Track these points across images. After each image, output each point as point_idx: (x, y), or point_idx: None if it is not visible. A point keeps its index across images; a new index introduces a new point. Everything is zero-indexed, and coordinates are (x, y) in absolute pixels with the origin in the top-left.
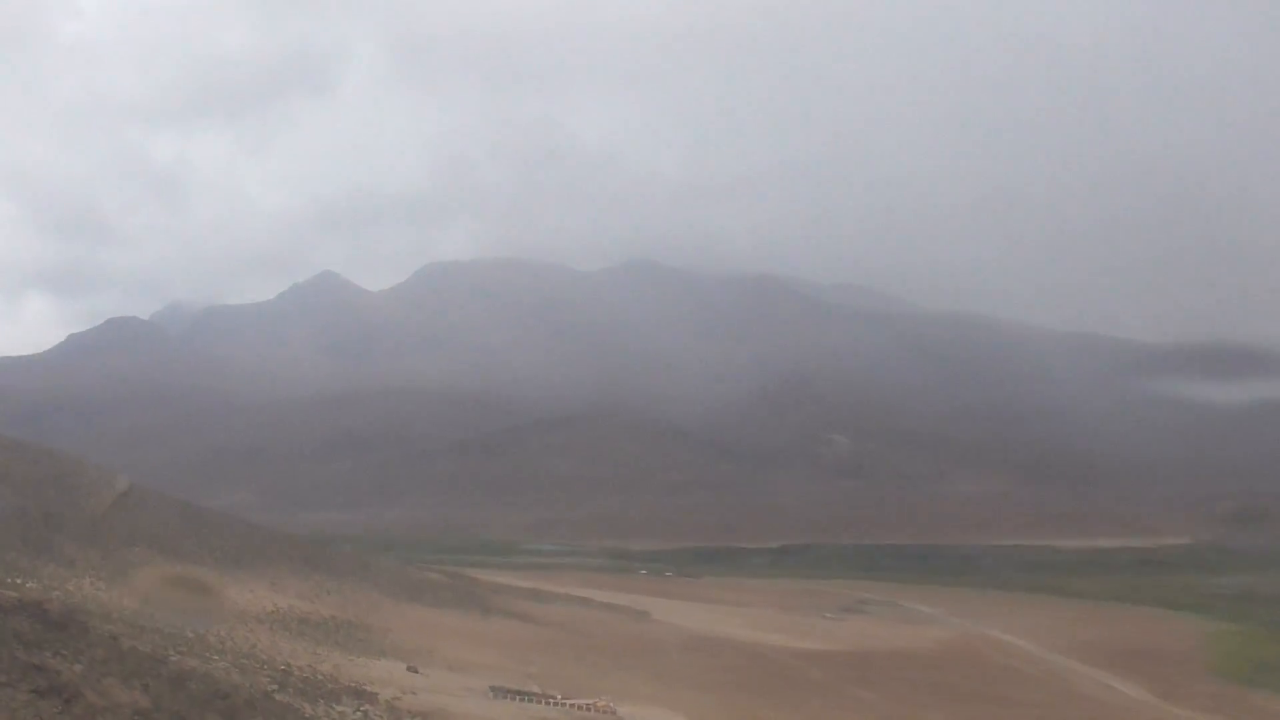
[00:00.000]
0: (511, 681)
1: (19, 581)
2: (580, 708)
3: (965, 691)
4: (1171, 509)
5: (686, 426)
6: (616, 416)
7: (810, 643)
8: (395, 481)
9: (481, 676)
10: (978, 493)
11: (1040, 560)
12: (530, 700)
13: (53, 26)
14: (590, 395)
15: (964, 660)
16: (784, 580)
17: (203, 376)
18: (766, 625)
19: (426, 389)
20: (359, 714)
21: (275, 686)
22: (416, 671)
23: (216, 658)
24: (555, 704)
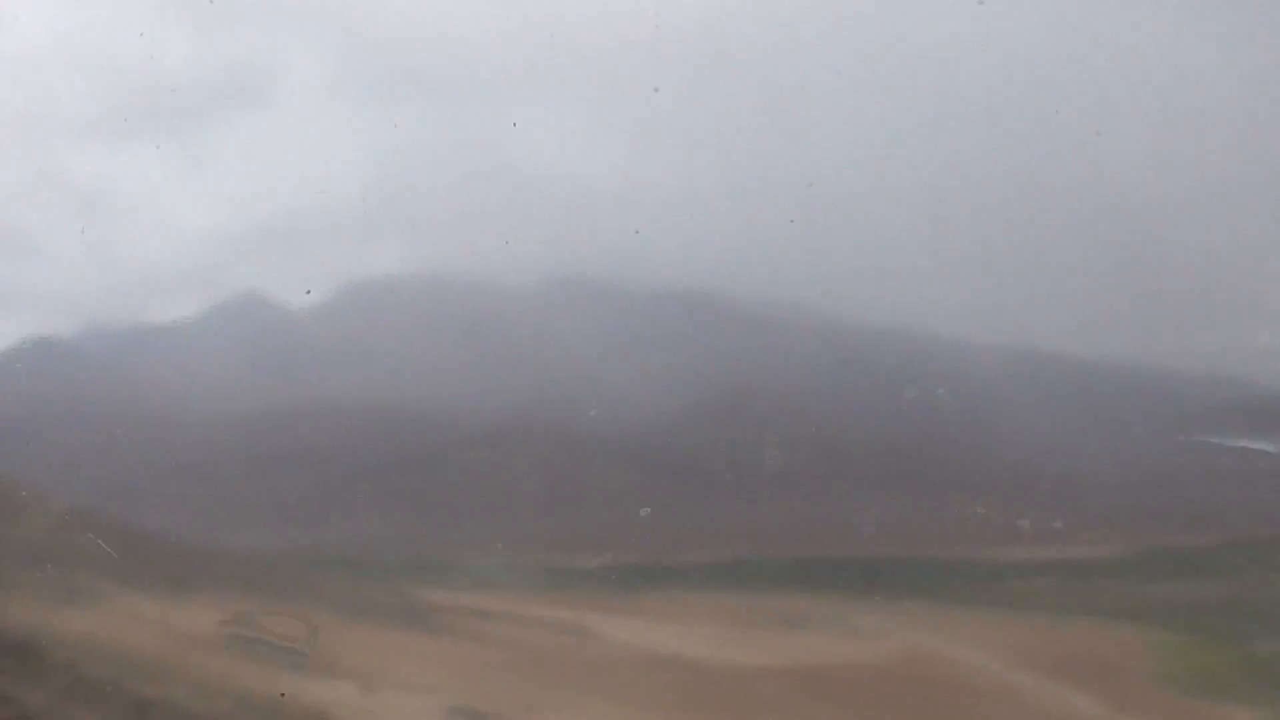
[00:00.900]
0: (466, 703)
1: None
2: None
3: (918, 706)
4: (1109, 522)
5: (622, 442)
6: (549, 434)
7: (759, 658)
8: (330, 500)
9: (435, 698)
10: (909, 506)
11: (982, 571)
12: None
13: None
14: (522, 411)
15: (914, 674)
16: (726, 596)
17: (130, 396)
18: (713, 641)
19: (357, 407)
20: None
21: (236, 712)
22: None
23: (173, 684)
24: None
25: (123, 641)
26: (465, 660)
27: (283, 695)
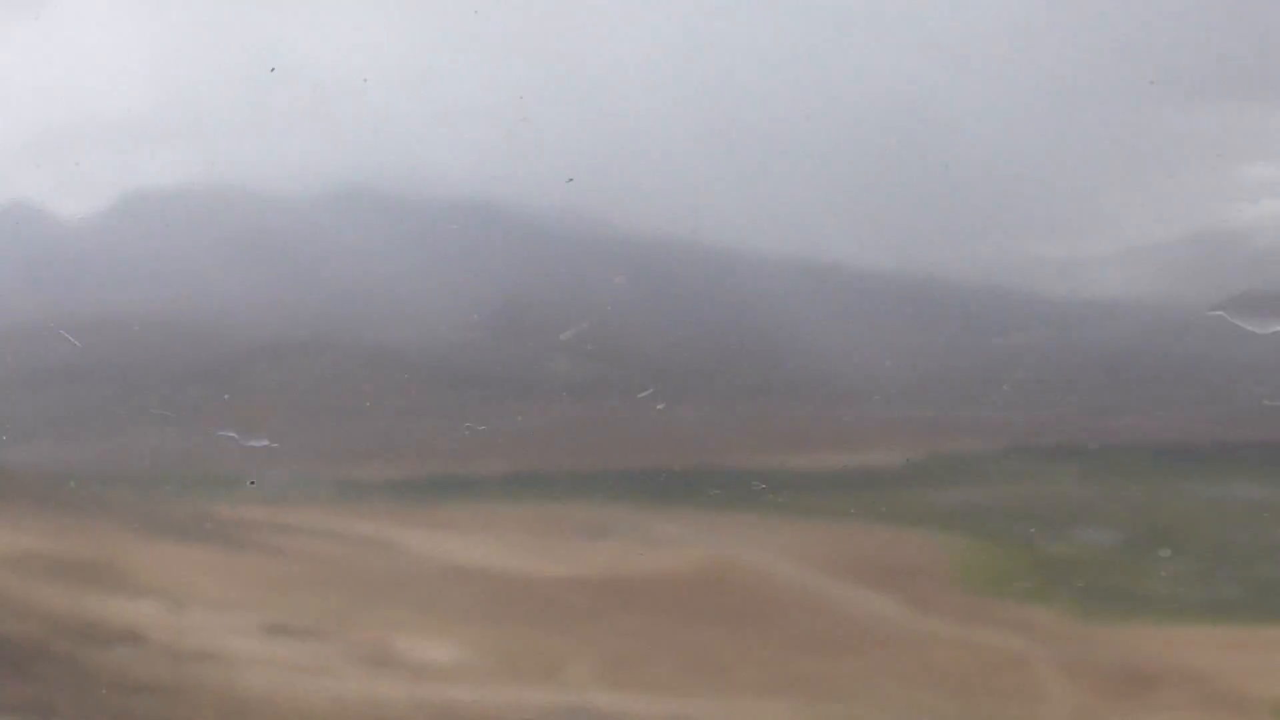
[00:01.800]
0: (279, 619)
1: None
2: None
3: (726, 612)
4: (897, 429)
5: (409, 355)
6: (338, 346)
7: (564, 569)
8: (113, 414)
9: (245, 615)
10: (705, 415)
11: (777, 479)
12: (306, 638)
13: None
14: (308, 325)
15: (720, 582)
16: (525, 506)
17: None
18: (515, 551)
19: (136, 321)
20: (137, 660)
21: (50, 635)
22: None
23: None
24: (330, 640)
25: None
26: (270, 575)
27: (91, 616)
